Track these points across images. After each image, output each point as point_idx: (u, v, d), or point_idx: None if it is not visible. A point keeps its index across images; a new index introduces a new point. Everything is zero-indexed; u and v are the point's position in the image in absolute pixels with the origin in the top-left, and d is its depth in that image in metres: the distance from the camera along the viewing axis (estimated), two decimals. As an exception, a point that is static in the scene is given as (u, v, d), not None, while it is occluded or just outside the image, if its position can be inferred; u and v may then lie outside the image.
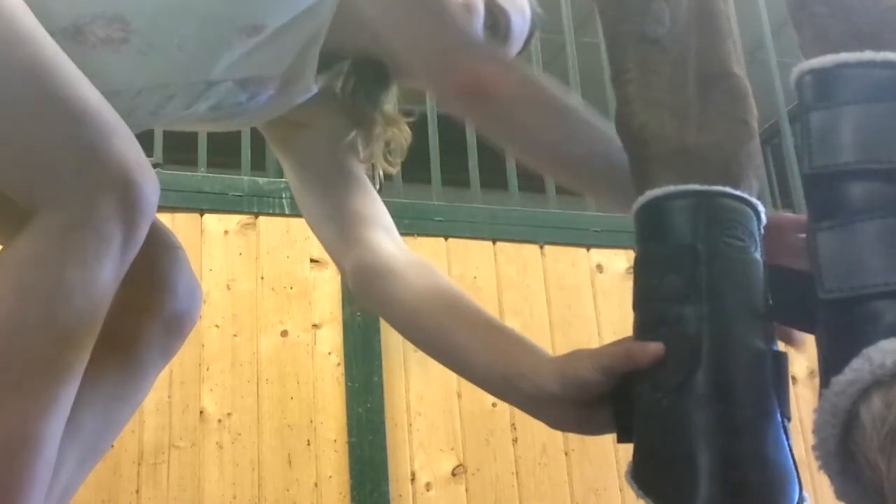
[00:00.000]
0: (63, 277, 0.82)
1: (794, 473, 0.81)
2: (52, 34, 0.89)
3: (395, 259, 1.08)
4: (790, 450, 0.82)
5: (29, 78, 0.85)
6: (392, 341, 2.32)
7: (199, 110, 1.09)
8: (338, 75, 1.18)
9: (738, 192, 0.87)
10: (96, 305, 0.85)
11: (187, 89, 1.05)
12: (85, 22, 0.95)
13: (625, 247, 2.58)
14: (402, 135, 1.21)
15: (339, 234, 1.12)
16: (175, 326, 1.11)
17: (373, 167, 1.20)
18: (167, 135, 2.40)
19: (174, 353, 1.14)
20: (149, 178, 0.87)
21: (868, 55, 0.77)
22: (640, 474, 0.83)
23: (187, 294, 1.13)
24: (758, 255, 0.86)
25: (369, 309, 1.17)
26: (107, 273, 0.84)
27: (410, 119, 1.23)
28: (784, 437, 0.82)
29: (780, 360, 0.84)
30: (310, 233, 2.49)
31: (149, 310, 1.09)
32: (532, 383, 0.91)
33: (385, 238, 1.11)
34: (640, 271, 0.88)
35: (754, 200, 0.88)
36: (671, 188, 0.87)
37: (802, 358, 2.58)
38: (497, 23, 1.12)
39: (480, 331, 0.98)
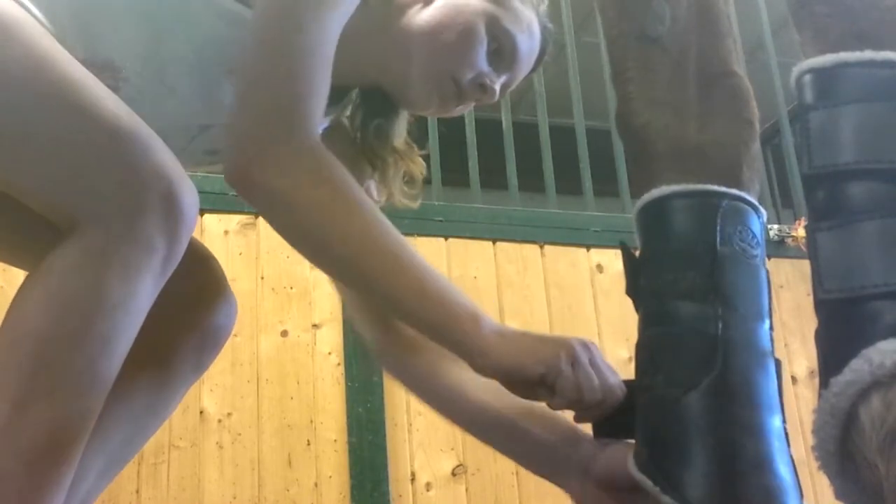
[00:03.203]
0: (104, 290, 0.81)
1: (795, 476, 0.81)
2: None
3: (407, 337, 1.09)
4: (789, 452, 0.82)
5: (61, 98, 0.84)
6: (392, 341, 2.32)
7: (195, 153, 1.08)
8: (345, 108, 1.16)
9: (749, 197, 0.88)
10: (134, 318, 0.85)
11: (179, 133, 1.04)
12: None
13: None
14: (417, 168, 1.19)
15: (359, 304, 1.13)
16: (210, 341, 1.10)
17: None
18: (167, 135, 2.40)
19: (207, 367, 1.12)
20: (189, 190, 0.87)
21: (868, 55, 0.77)
22: (648, 464, 0.83)
23: (224, 308, 1.11)
24: (762, 261, 0.87)
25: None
26: (147, 286, 0.84)
27: (423, 152, 1.21)
28: (786, 439, 0.83)
29: (778, 367, 0.85)
30: (310, 233, 2.46)
31: (185, 324, 1.07)
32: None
33: None
34: (650, 265, 0.88)
35: (760, 206, 0.89)
36: (685, 186, 0.87)
37: (803, 358, 2.58)
38: (501, 47, 1.07)
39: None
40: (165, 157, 0.86)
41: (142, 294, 0.84)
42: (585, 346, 0.89)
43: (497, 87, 1.09)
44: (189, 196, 0.87)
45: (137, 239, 0.82)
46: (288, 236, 0.93)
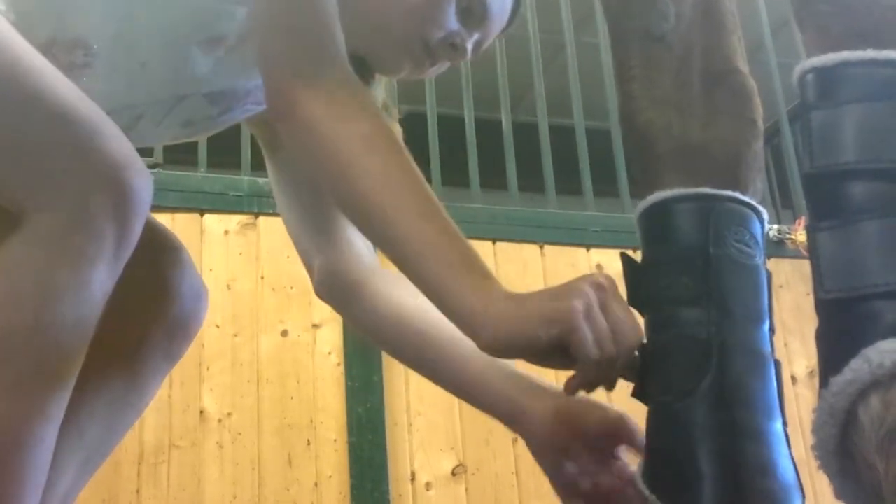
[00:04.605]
0: (53, 280, 0.80)
1: (797, 479, 0.81)
2: None
3: (368, 266, 1.09)
4: (790, 455, 0.82)
5: (10, 80, 0.83)
6: (392, 341, 2.32)
7: (172, 126, 1.06)
8: None
9: (746, 198, 0.87)
10: (89, 308, 0.83)
11: (155, 106, 1.02)
12: (44, 49, 0.91)
13: (625, 247, 2.57)
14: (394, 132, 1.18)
15: (315, 232, 1.12)
16: (179, 330, 1.09)
17: None
18: (167, 134, 2.40)
19: (179, 357, 1.11)
20: (140, 175, 0.84)
21: (870, 54, 0.77)
22: (649, 474, 0.83)
23: (191, 297, 1.10)
24: (761, 262, 0.87)
25: (335, 310, 1.15)
26: (99, 275, 0.82)
27: (400, 116, 1.19)
28: (787, 442, 0.82)
29: (778, 368, 0.85)
30: (310, 232, 2.46)
31: (151, 314, 1.06)
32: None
33: (360, 242, 1.11)
34: (649, 272, 0.88)
35: (760, 207, 0.89)
36: (682, 190, 0.87)
37: (803, 358, 2.58)
38: (471, 4, 1.05)
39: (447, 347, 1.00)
40: (115, 142, 0.84)
41: (94, 283, 0.82)
42: (600, 286, 0.78)
43: (469, 46, 1.07)
44: (139, 180, 0.83)
45: (85, 226, 0.80)
46: (324, 165, 0.87)
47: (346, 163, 0.84)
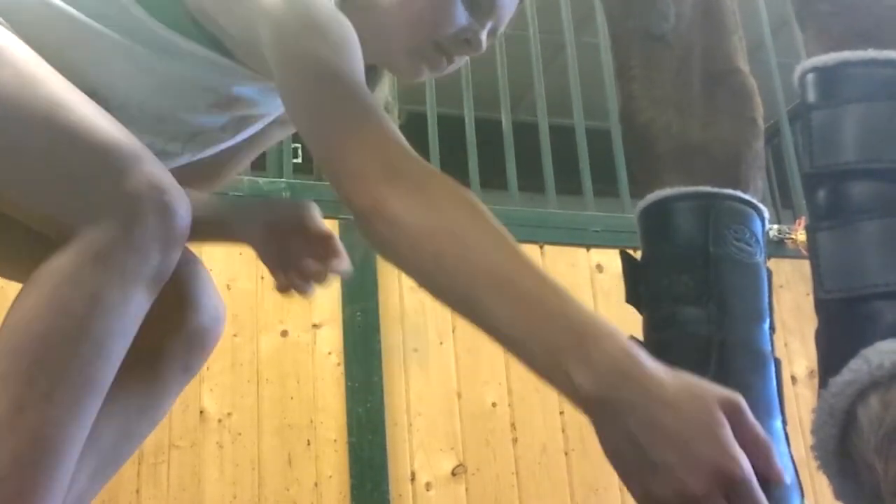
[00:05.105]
0: (100, 294, 0.83)
1: (796, 478, 0.81)
2: None
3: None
4: (790, 454, 0.82)
5: (52, 115, 0.87)
6: (392, 341, 2.32)
7: (182, 159, 1.11)
8: None
9: (747, 197, 0.87)
10: (129, 324, 0.86)
11: (172, 144, 1.07)
12: None
13: (625, 247, 2.57)
14: None
15: (207, 170, 1.21)
16: (198, 342, 1.11)
17: None
18: (167, 134, 2.40)
19: (197, 369, 1.13)
20: (183, 201, 0.88)
21: (870, 53, 0.77)
22: None
23: (210, 309, 1.12)
24: (761, 260, 0.87)
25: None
26: (142, 292, 0.86)
27: (400, 121, 1.20)
28: (786, 441, 0.82)
29: (778, 366, 0.84)
30: (310, 232, 2.46)
31: (171, 326, 1.08)
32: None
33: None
34: (649, 270, 0.88)
35: (760, 205, 0.89)
36: (682, 189, 0.87)
37: (802, 358, 2.58)
38: None
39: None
40: (158, 167, 0.88)
41: (136, 300, 0.86)
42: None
43: (483, 37, 1.06)
44: (182, 205, 0.88)
45: (134, 245, 0.84)
46: (415, 263, 0.83)
47: (442, 259, 0.82)
